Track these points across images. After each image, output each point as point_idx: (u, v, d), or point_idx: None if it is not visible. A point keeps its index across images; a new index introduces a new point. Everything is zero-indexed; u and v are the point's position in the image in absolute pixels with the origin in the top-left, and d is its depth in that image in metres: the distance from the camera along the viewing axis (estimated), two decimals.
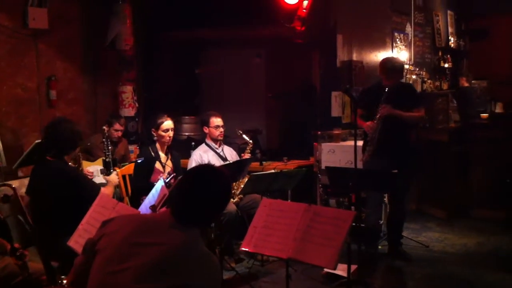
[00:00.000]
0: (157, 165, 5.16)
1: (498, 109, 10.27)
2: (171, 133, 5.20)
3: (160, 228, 2.14)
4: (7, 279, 3.17)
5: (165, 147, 5.24)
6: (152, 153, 5.19)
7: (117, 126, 6.05)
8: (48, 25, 6.27)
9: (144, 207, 3.78)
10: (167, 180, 4.81)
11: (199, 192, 2.19)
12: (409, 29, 9.51)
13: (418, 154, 6.16)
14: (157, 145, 5.25)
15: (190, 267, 2.05)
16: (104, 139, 4.91)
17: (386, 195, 5.89)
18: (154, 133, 5.23)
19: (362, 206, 5.46)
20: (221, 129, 5.74)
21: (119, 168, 5.54)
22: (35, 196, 3.95)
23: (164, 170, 5.15)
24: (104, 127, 5.63)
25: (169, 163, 5.23)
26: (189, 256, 2.08)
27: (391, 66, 5.34)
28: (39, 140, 4.60)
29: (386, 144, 5.19)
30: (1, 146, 5.01)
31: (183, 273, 2.04)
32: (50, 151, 3.96)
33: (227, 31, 7.44)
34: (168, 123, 5.20)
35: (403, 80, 7.72)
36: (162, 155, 5.23)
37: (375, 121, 5.20)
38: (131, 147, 6.56)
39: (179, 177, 4.79)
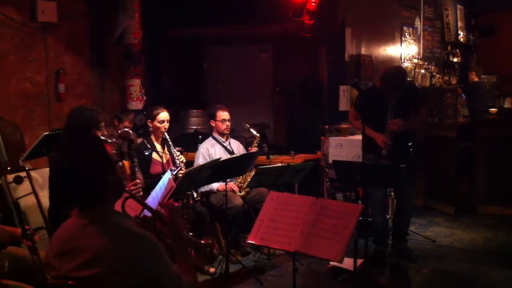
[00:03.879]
0: (155, 156, 5.17)
1: (507, 104, 10.22)
2: (166, 125, 5.22)
3: (75, 229, 2.16)
4: (20, 269, 3.20)
5: (160, 138, 5.26)
6: (148, 145, 5.20)
7: (126, 123, 6.05)
8: (57, 19, 6.28)
9: (151, 200, 3.78)
10: (174, 173, 4.82)
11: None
12: (418, 23, 9.47)
13: (420, 149, 6.13)
14: (152, 136, 5.27)
15: (117, 252, 2.06)
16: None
17: (392, 191, 5.88)
18: (150, 124, 5.26)
19: (370, 200, 5.42)
20: (228, 123, 5.73)
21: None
22: None
23: (162, 160, 5.18)
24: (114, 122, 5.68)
25: (166, 152, 5.25)
26: (111, 242, 2.08)
27: (390, 80, 5.13)
28: (47, 133, 4.62)
29: (397, 150, 5.17)
30: (1, 141, 5.02)
31: (117, 259, 2.06)
32: None
33: (234, 27, 7.45)
34: (163, 115, 5.21)
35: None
36: (158, 146, 5.25)
37: (386, 135, 5.13)
38: (139, 140, 6.58)
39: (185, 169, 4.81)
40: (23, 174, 3.50)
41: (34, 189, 3.36)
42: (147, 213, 2.65)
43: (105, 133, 3.94)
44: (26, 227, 3.25)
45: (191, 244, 2.50)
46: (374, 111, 5.09)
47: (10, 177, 3.71)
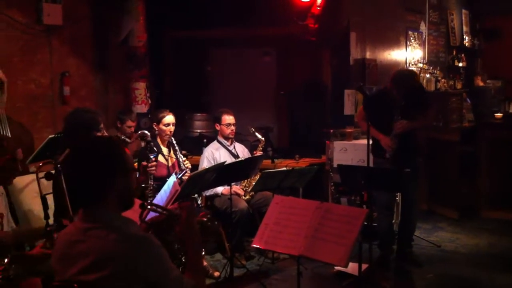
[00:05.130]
0: (161, 158, 5.16)
1: None
2: (172, 128, 5.21)
3: (78, 233, 2.15)
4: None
5: (166, 141, 5.25)
6: (154, 148, 5.19)
7: (129, 122, 6.08)
8: (62, 22, 6.29)
9: (156, 203, 3.77)
10: (179, 176, 4.81)
11: (71, 170, 2.20)
12: (423, 27, 9.46)
13: (424, 153, 6.11)
14: (158, 139, 5.26)
15: (120, 256, 2.06)
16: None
17: (398, 196, 5.86)
18: (156, 127, 5.25)
19: (374, 205, 5.41)
20: (233, 127, 5.73)
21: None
22: None
23: (168, 163, 5.17)
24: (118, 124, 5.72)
25: (172, 155, 5.24)
26: (114, 247, 2.07)
27: (401, 81, 5.19)
28: (52, 135, 4.62)
29: (401, 153, 5.16)
30: None
31: (117, 263, 2.06)
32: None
33: (238, 29, 7.45)
34: (169, 118, 5.21)
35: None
36: (164, 149, 5.24)
37: (391, 138, 5.14)
38: (143, 143, 6.58)
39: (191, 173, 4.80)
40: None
41: (63, 188, 3.44)
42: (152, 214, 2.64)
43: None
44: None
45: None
46: (382, 113, 5.10)
47: (41, 174, 3.76)
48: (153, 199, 4.04)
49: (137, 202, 2.38)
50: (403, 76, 5.25)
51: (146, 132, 4.76)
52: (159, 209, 2.52)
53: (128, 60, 7.04)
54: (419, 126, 5.36)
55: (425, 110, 5.38)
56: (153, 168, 4.61)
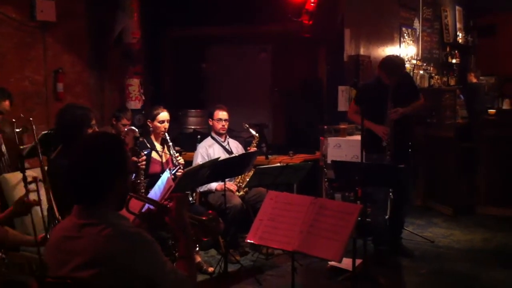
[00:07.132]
0: (155, 155, 5.16)
1: (506, 105, 10.21)
2: (166, 125, 5.19)
3: (73, 229, 2.15)
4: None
5: (160, 138, 5.24)
6: (148, 144, 5.19)
7: (124, 121, 6.07)
8: (56, 18, 6.27)
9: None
10: (173, 172, 4.81)
11: (73, 167, 2.19)
12: (417, 24, 9.48)
13: (419, 149, 6.14)
14: (152, 136, 5.25)
15: (116, 253, 2.06)
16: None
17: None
18: (150, 124, 5.23)
19: (368, 201, 5.42)
20: (224, 123, 5.72)
21: None
22: None
23: (162, 159, 5.17)
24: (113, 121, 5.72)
25: (166, 151, 5.23)
26: (109, 244, 2.07)
27: (392, 66, 5.21)
28: (45, 132, 4.61)
29: (400, 144, 5.17)
30: (3, 141, 5.01)
31: (114, 260, 2.06)
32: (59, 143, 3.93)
33: (234, 27, 7.45)
34: (163, 115, 5.19)
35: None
36: (157, 145, 5.23)
37: (386, 125, 5.15)
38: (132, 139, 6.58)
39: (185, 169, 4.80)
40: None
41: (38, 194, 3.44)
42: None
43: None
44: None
45: (194, 222, 2.50)
46: (375, 104, 5.11)
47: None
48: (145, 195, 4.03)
49: None
50: (394, 63, 5.26)
51: (134, 128, 4.78)
52: (144, 199, 2.53)
53: (122, 56, 7.02)
54: (412, 110, 5.38)
55: (416, 96, 5.44)
56: (144, 163, 4.62)
